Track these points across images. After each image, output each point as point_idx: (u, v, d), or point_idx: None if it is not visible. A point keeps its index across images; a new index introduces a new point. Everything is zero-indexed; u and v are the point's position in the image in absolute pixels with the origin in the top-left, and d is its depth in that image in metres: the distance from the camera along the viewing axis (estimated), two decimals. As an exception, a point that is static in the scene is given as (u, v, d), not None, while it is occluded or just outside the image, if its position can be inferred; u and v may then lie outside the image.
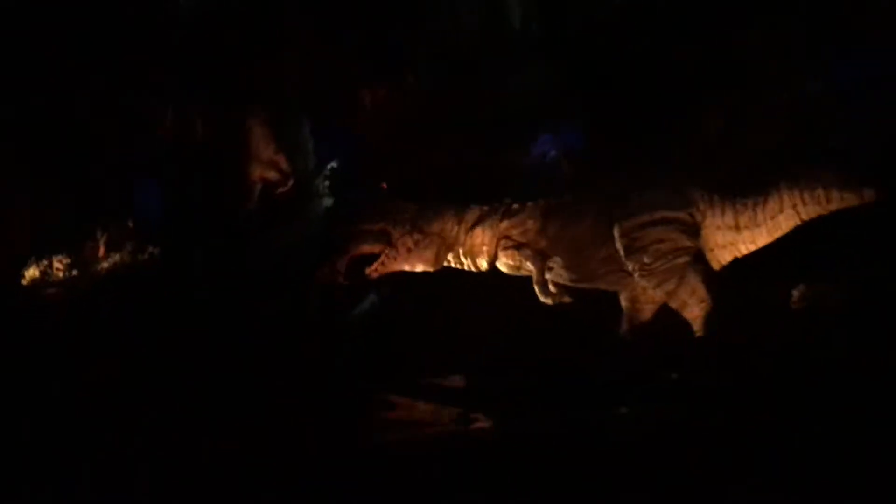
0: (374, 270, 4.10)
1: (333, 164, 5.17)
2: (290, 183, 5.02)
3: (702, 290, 3.62)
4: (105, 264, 4.17)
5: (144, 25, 4.97)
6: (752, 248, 3.69)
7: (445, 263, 4.12)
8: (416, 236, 4.06)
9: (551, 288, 3.90)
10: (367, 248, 4.11)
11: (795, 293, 3.65)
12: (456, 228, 4.07)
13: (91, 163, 4.51)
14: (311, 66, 5.18)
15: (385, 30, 5.22)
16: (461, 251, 4.08)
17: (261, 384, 3.78)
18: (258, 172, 4.94)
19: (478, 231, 4.03)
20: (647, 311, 3.84)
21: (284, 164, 5.01)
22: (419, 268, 4.12)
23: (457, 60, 5.06)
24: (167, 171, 4.81)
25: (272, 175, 4.96)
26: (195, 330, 4.05)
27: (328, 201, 5.11)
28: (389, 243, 4.10)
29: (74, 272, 4.09)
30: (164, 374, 3.84)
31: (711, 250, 3.73)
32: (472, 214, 4.07)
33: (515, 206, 4.03)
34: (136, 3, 5.02)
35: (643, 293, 3.80)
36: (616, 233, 3.74)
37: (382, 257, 4.08)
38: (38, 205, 4.26)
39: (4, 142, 4.34)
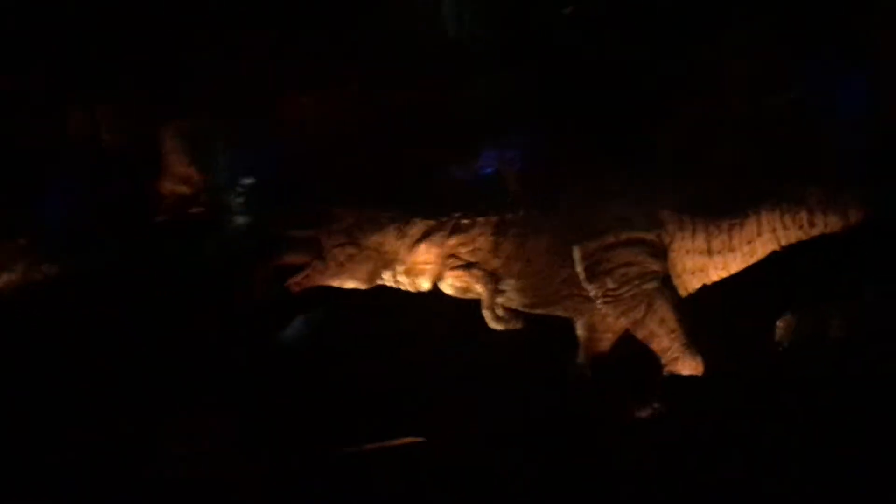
0: (296, 283, 3.56)
1: (249, 180, 4.72)
2: (203, 199, 4.60)
3: (672, 320, 3.27)
4: None
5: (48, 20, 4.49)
6: (724, 274, 3.36)
7: (379, 282, 3.62)
8: (350, 249, 3.55)
9: (501, 313, 3.50)
10: (292, 258, 3.58)
11: (780, 324, 3.25)
12: (397, 243, 3.57)
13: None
14: (234, 70, 4.76)
15: (322, 31, 4.83)
16: (400, 269, 3.59)
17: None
18: (169, 186, 4.50)
19: (422, 247, 3.55)
20: (606, 342, 3.47)
21: (197, 179, 4.57)
22: (349, 284, 3.60)
23: (402, 67, 4.69)
24: (68, 181, 4.32)
25: (184, 189, 4.51)
26: (100, 355, 3.62)
27: (241, 219, 4.66)
28: (319, 255, 3.57)
29: None
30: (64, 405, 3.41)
31: (679, 276, 3.38)
32: (417, 228, 3.57)
33: (465, 221, 3.55)
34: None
35: (603, 321, 3.42)
36: (577, 254, 3.35)
37: (308, 269, 3.55)
38: None
39: None
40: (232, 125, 4.77)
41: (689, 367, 3.28)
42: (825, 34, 3.93)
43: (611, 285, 3.30)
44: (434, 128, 4.69)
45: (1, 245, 3.76)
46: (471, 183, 4.59)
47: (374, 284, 3.65)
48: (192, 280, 4.17)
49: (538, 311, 3.48)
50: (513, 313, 3.52)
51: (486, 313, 3.55)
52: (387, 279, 3.66)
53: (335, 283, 3.64)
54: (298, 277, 3.58)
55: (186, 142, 4.67)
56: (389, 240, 3.61)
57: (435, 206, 3.74)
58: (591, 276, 3.33)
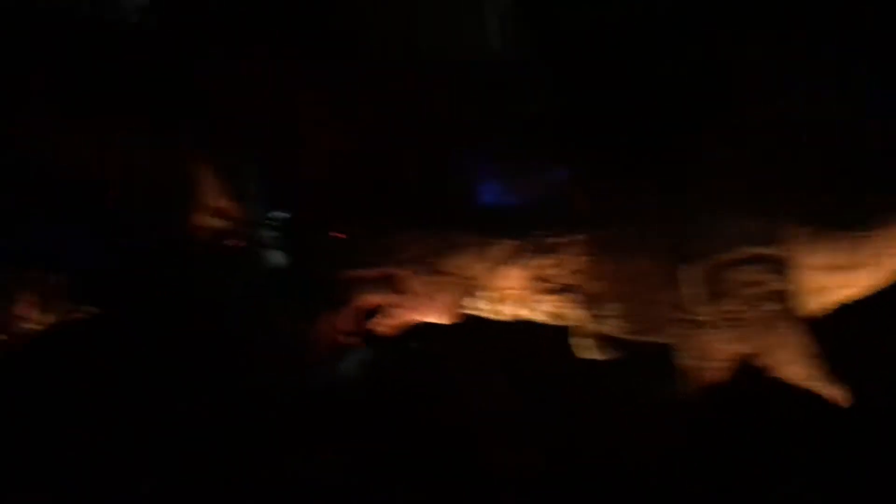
0: (380, 325, 3.27)
1: (281, 213, 4.46)
2: (240, 233, 4.34)
3: (807, 345, 2.89)
4: (34, 325, 3.34)
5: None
6: (849, 294, 3.01)
7: (463, 311, 3.29)
8: (429, 278, 3.25)
9: (599, 341, 3.16)
10: (369, 300, 3.28)
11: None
12: (478, 267, 3.25)
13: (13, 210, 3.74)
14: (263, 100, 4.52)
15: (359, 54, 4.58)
16: (483, 295, 3.27)
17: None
18: (205, 221, 4.23)
19: (506, 270, 3.22)
20: (717, 371, 3.05)
21: (235, 213, 4.32)
22: (432, 317, 3.28)
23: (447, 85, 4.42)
24: (104, 219, 4.04)
25: (220, 224, 4.24)
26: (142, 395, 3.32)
27: (275, 254, 4.40)
28: (395, 290, 3.28)
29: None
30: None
31: (797, 296, 3.00)
32: (500, 249, 3.24)
33: (551, 240, 3.22)
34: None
35: (715, 348, 3.02)
36: (687, 274, 3.01)
37: (389, 308, 3.26)
38: None
39: None
40: (262, 156, 4.54)
41: (833, 396, 2.91)
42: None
43: (730, 308, 2.95)
44: (482, 146, 4.44)
45: (43, 283, 3.46)
46: (535, 200, 4.30)
47: (457, 313, 3.32)
48: (229, 317, 3.91)
49: (644, 339, 3.13)
50: (611, 341, 3.20)
51: (580, 342, 3.24)
52: (470, 307, 3.32)
53: (417, 318, 3.30)
54: (381, 319, 3.28)
55: (219, 174, 4.43)
56: (469, 264, 3.28)
57: (513, 224, 3.44)
58: (706, 298, 2.99)
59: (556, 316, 3.20)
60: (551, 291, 3.17)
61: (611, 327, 3.12)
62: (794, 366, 2.91)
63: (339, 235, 3.99)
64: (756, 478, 2.84)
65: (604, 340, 3.14)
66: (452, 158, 4.18)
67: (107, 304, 3.66)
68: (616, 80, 4.19)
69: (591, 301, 3.12)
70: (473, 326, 3.34)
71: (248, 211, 4.47)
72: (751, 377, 2.97)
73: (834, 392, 2.87)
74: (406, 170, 4.24)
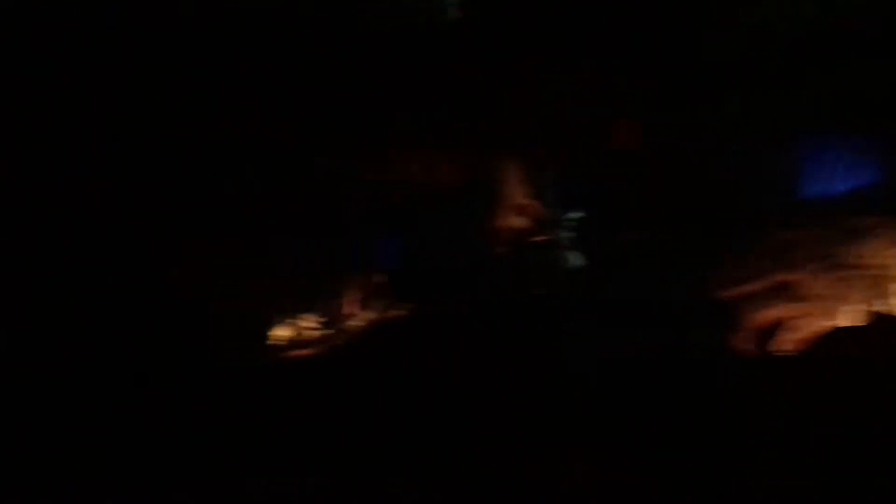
0: (784, 343, 2.81)
1: (579, 213, 4.41)
2: (540, 231, 4.40)
3: None
4: (358, 322, 3.65)
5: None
6: None
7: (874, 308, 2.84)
8: (833, 275, 2.83)
9: None
10: (766, 316, 2.83)
11: None
12: (890, 254, 2.81)
13: (336, 215, 4.06)
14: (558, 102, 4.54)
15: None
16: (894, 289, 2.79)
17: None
18: (506, 219, 4.34)
19: None
20: None
21: (536, 211, 4.37)
22: (843, 321, 2.83)
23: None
24: (411, 220, 4.28)
25: (520, 223, 4.33)
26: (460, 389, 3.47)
27: (572, 256, 4.39)
28: (794, 298, 2.86)
29: (327, 331, 3.61)
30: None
31: None
32: None
33: None
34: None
35: None
36: None
37: (791, 321, 2.79)
38: (281, 260, 3.85)
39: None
40: (563, 155, 4.58)
41: None
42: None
43: None
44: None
45: (364, 280, 3.76)
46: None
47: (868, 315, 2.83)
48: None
49: None
50: None
51: None
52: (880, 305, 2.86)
53: (826, 325, 2.86)
54: (783, 335, 2.85)
55: (524, 173, 4.52)
56: (878, 251, 2.84)
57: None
58: None
59: None
60: None
61: None
62: None
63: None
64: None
65: None
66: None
67: (419, 301, 3.89)
68: None
69: None
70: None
71: (548, 210, 4.54)
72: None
73: None
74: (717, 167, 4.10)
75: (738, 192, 3.56)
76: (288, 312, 3.52)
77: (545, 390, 3.07)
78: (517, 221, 4.36)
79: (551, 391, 3.10)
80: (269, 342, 3.39)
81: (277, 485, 2.95)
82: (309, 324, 3.44)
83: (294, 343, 3.44)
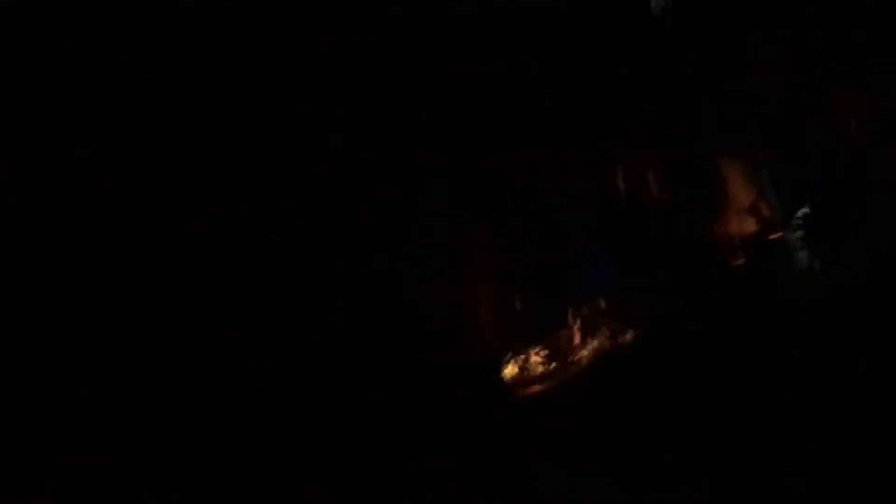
0: None
1: (806, 211, 4.10)
2: (772, 230, 4.12)
3: None
4: (584, 352, 3.61)
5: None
6: None
7: None
8: None
9: None
10: None
11: None
12: None
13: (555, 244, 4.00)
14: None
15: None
16: None
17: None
18: (735, 225, 4.10)
19: None
20: None
21: (766, 212, 4.10)
22: None
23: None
24: (619, 240, 4.13)
25: (751, 227, 4.08)
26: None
27: (804, 257, 4.07)
28: None
29: (553, 364, 3.59)
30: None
31: None
32: None
33: None
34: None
35: None
36: None
37: None
38: (505, 293, 3.85)
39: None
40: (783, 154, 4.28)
41: None
42: None
43: None
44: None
45: (585, 308, 3.70)
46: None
47: None
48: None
49: None
50: None
51: None
52: None
53: None
54: None
55: (745, 173, 4.29)
56: None
57: None
58: None
59: None
60: None
61: None
62: None
63: None
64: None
65: None
66: None
67: (646, 325, 3.75)
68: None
69: None
70: None
71: (775, 208, 4.27)
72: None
73: None
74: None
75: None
76: (514, 346, 3.52)
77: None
78: (747, 225, 4.13)
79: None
80: (502, 380, 3.39)
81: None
82: (534, 358, 3.44)
83: (521, 380, 3.44)
